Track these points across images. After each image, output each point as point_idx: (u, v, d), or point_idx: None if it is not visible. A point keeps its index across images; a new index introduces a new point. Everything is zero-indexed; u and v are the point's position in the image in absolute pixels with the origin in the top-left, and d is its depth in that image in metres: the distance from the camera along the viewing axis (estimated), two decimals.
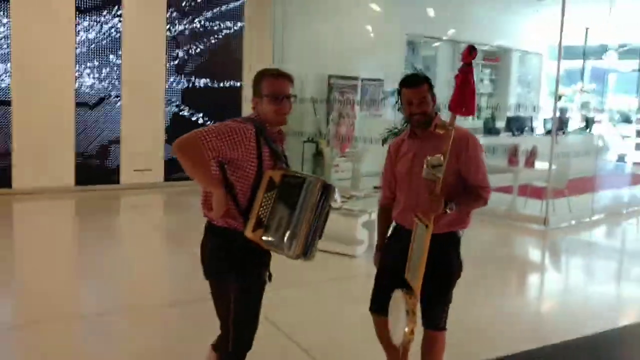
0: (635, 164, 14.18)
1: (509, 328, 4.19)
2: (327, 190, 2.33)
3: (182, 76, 9.48)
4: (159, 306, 4.49)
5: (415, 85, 2.68)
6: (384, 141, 8.44)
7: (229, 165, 2.38)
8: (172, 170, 9.19)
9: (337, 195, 6.30)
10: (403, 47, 11.80)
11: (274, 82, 2.45)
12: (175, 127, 9.26)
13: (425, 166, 2.48)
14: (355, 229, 5.62)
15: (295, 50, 10.22)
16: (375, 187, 7.10)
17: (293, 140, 9.89)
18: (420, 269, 2.45)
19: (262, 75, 2.47)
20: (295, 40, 10.25)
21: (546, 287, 5.67)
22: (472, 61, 2.46)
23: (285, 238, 2.28)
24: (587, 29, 14.83)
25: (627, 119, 14.84)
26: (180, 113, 9.49)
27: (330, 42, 10.23)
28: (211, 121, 9.46)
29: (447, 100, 2.77)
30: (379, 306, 2.81)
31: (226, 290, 2.50)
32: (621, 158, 13.78)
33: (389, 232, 2.98)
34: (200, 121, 9.56)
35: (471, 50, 2.43)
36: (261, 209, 2.32)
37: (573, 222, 7.72)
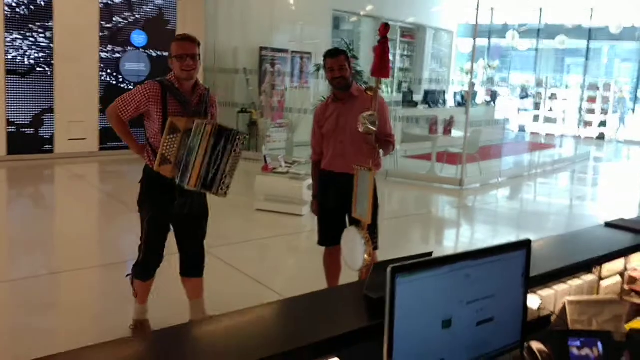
0: (532, 133, 15.80)
1: None
2: (224, 134, 2.96)
3: (116, 45, 9.51)
4: (89, 268, 4.67)
5: (336, 55, 3.44)
6: None
7: (145, 115, 3.09)
8: (107, 139, 9.29)
9: (281, 160, 6.88)
10: (330, 22, 12.36)
11: (180, 44, 3.03)
12: (110, 97, 9.29)
13: (361, 122, 3.03)
14: (301, 191, 6.22)
15: (228, 21, 10.49)
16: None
17: (227, 110, 10.23)
18: (369, 206, 3.03)
19: (173, 40, 3.09)
20: (229, 12, 10.51)
21: (461, 236, 6.59)
22: (389, 36, 3.13)
23: (181, 172, 2.94)
24: (492, 9, 16.04)
25: (526, 94, 16.38)
26: (115, 82, 9.54)
27: (262, 15, 10.60)
28: None
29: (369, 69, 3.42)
30: (328, 239, 3.60)
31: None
32: (521, 128, 15.28)
33: (319, 179, 3.66)
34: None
35: (385, 26, 3.05)
36: (164, 148, 2.95)
37: (483, 183, 8.79)
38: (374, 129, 2.94)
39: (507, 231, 6.70)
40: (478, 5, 8.27)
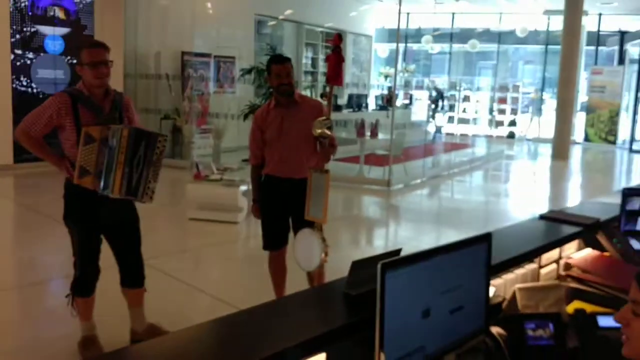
0: (448, 134, 16.55)
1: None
2: (143, 137, 2.91)
3: (30, 52, 9.04)
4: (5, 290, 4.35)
5: (282, 62, 3.48)
6: (245, 116, 9.03)
7: (58, 129, 2.99)
8: (23, 151, 8.78)
9: (213, 167, 6.83)
10: (252, 26, 12.36)
11: (92, 52, 2.95)
12: (24, 106, 8.83)
13: (317, 127, 3.05)
14: (236, 198, 6.20)
15: (149, 26, 10.25)
16: (244, 160, 7.68)
17: (150, 117, 10.01)
18: (325, 206, 3.07)
19: (82, 47, 3.07)
20: (149, 16, 10.27)
21: (395, 235, 6.84)
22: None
23: (103, 181, 2.88)
24: (408, 14, 16.66)
25: (441, 96, 17.12)
26: (29, 91, 9.06)
27: (183, 19, 10.44)
28: None
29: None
30: (274, 243, 3.66)
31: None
32: (438, 129, 15.97)
33: (262, 184, 3.68)
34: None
35: (340, 37, 3.22)
36: (82, 159, 2.90)
37: (408, 184, 9.13)
38: (329, 133, 3.02)
39: (435, 228, 7.02)
40: (400, 11, 8.60)
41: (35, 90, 9.09)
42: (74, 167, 2.92)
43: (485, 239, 1.57)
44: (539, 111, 17.70)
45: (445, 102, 17.73)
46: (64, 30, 9.33)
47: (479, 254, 1.56)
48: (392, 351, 1.29)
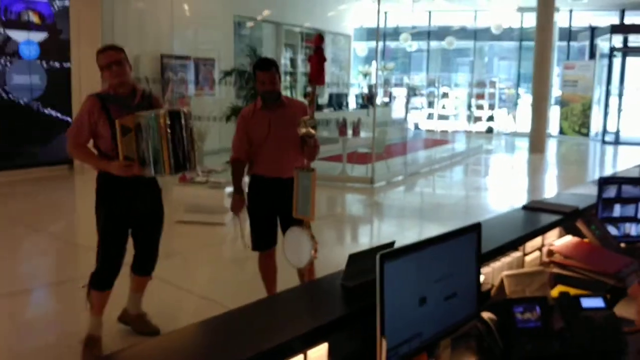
0: (427, 131, 16.76)
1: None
2: (174, 115, 3.08)
3: (3, 58, 8.93)
4: None
5: (267, 68, 3.52)
6: (228, 118, 9.05)
7: (94, 135, 3.16)
8: None
9: (198, 170, 6.84)
10: (231, 28, 12.36)
11: (104, 55, 3.17)
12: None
13: (301, 126, 3.08)
14: (222, 199, 6.24)
15: (126, 29, 10.18)
16: (227, 162, 7.69)
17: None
18: (312, 204, 3.11)
19: (97, 53, 3.24)
20: (126, 19, 10.21)
21: (375, 231, 6.93)
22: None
23: (152, 165, 3.04)
24: (385, 12, 16.81)
25: (414, 93, 17.32)
26: (3, 96, 8.92)
27: (162, 22, 10.41)
28: (39, 105, 9.12)
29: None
30: (263, 244, 3.71)
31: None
32: (416, 126, 16.16)
33: (249, 185, 3.76)
34: (23, 104, 9.05)
35: (321, 37, 3.26)
36: (124, 149, 3.04)
37: (391, 180, 9.25)
38: (314, 132, 3.09)
39: (418, 223, 7.14)
40: (379, 10, 8.70)
41: (9, 97, 8.95)
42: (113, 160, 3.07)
43: (475, 229, 1.66)
44: (515, 106, 17.99)
45: (419, 100, 17.93)
46: (40, 35, 9.24)
47: (470, 242, 1.65)
48: (392, 337, 1.36)
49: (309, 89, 3.21)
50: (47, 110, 9.19)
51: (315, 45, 3.01)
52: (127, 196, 3.18)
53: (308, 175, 3.01)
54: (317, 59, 3.01)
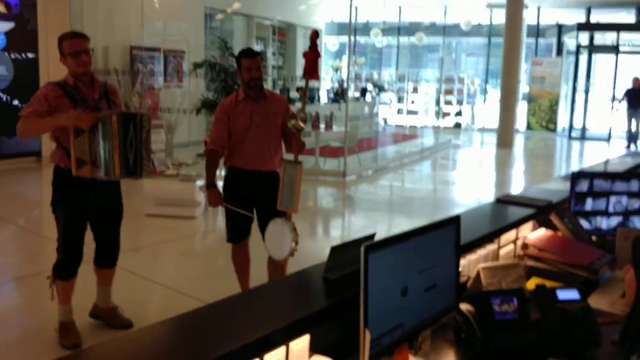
0: (397, 126, 16.88)
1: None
2: (130, 120, 3.05)
3: None
4: None
5: (253, 56, 3.50)
6: (198, 111, 8.93)
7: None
8: None
9: (168, 163, 6.75)
10: (202, 20, 12.20)
11: (72, 42, 3.09)
12: None
13: (292, 119, 3.08)
14: (193, 193, 6.17)
15: (95, 20, 9.96)
16: (199, 155, 7.62)
17: None
18: (297, 197, 3.12)
19: (62, 39, 3.17)
20: (95, 10, 9.98)
21: (347, 224, 6.96)
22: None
23: (103, 168, 3.03)
24: (356, 7, 16.83)
25: (383, 89, 17.42)
26: None
27: (131, 13, 10.21)
28: (8, 96, 8.87)
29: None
30: (239, 236, 3.69)
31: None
32: (385, 121, 16.25)
33: (225, 178, 3.72)
34: None
35: (317, 34, 3.30)
36: (77, 151, 3.02)
37: (362, 174, 9.29)
38: (303, 125, 3.06)
39: (389, 216, 7.19)
40: (351, 4, 8.69)
41: None
42: (67, 153, 3.04)
43: (455, 221, 1.67)
44: (483, 101, 18.27)
45: (389, 95, 18.04)
46: (7, 25, 8.96)
47: (450, 235, 1.66)
48: (375, 328, 1.36)
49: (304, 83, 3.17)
50: (14, 101, 8.93)
51: (311, 41, 3.01)
52: (84, 191, 3.15)
53: (295, 167, 3.00)
54: (312, 54, 3.01)
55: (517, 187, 9.05)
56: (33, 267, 4.73)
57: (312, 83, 14.99)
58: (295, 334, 1.41)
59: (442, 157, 12.44)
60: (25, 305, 4.09)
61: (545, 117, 16.42)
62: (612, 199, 2.62)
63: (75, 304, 3.40)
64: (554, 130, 16.31)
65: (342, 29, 18.19)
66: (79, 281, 3.38)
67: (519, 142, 14.81)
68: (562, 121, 16.48)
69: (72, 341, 3.23)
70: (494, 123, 14.29)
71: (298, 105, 12.10)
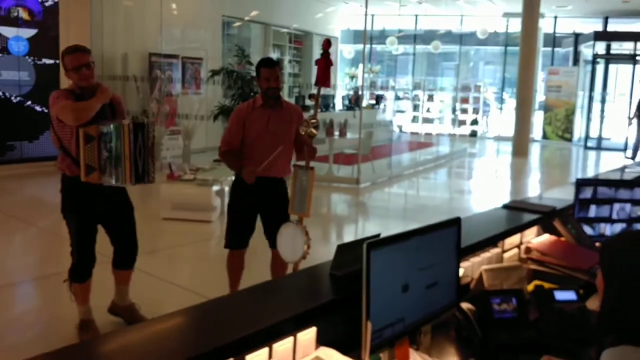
0: (412, 133, 16.92)
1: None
2: (139, 128, 3.17)
3: None
4: None
5: (272, 66, 3.60)
6: (215, 117, 9.11)
7: (55, 122, 3.18)
8: None
9: (186, 168, 6.90)
10: (220, 28, 12.40)
11: (72, 57, 3.18)
12: None
13: (304, 126, 3.16)
14: (209, 197, 6.29)
15: (115, 27, 10.19)
16: (215, 161, 7.74)
17: None
18: (309, 201, 3.25)
19: (64, 54, 3.28)
20: (115, 17, 10.22)
21: (360, 231, 7.03)
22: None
23: (113, 174, 3.13)
24: (372, 15, 16.94)
25: (398, 97, 17.47)
26: None
27: (151, 21, 10.42)
28: (29, 101, 9.10)
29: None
30: (239, 242, 3.76)
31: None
32: (400, 129, 16.29)
33: (233, 183, 3.82)
34: (16, 101, 9.06)
35: (329, 42, 3.39)
36: (86, 158, 3.12)
37: (376, 181, 9.36)
38: (316, 132, 3.16)
39: (402, 223, 7.22)
40: (367, 13, 8.81)
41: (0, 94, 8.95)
42: (74, 162, 3.14)
43: (455, 223, 1.76)
44: (499, 110, 18.23)
45: (405, 103, 18.08)
46: (29, 32, 9.22)
47: (450, 235, 1.75)
48: (376, 321, 1.45)
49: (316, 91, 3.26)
50: (36, 107, 9.17)
51: (323, 50, 3.11)
52: (92, 197, 3.24)
53: (307, 173, 3.11)
54: (324, 62, 3.12)
55: (530, 195, 9.05)
56: (54, 267, 4.87)
57: (328, 90, 15.14)
58: (302, 325, 1.51)
59: (457, 165, 12.46)
60: (46, 303, 4.23)
61: (561, 127, 16.35)
62: (616, 206, 2.68)
63: (95, 303, 3.53)
64: (569, 139, 16.23)
65: (358, 37, 18.32)
66: (99, 280, 3.50)
67: (534, 151, 14.76)
68: (578, 131, 16.39)
69: (91, 336, 3.35)
70: (510, 132, 14.27)
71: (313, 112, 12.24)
